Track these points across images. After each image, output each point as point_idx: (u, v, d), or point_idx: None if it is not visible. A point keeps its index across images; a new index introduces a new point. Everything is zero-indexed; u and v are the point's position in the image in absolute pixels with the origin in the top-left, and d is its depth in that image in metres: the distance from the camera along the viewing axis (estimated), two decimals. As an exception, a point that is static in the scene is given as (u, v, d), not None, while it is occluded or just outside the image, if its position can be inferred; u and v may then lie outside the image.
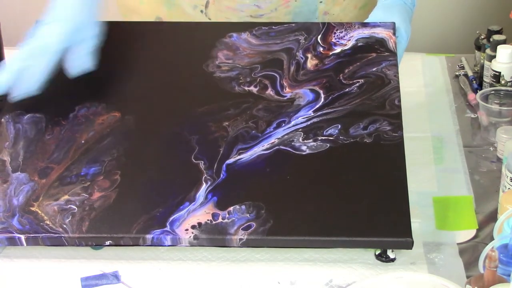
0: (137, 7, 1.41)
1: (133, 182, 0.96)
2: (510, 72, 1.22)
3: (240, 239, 0.90)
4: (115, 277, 0.90)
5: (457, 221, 0.98)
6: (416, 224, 0.97)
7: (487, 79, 1.25)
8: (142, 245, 0.91)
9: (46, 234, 0.91)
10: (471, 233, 0.96)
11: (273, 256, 0.93)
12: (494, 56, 1.23)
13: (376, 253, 0.92)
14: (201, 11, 1.34)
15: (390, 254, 0.92)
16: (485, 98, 1.20)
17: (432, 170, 1.08)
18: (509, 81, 1.22)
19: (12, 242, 0.92)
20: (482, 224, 0.97)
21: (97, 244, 0.93)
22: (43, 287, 0.90)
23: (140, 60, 1.11)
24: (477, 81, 1.29)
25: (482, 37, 1.29)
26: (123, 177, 0.96)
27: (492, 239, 0.89)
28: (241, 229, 0.90)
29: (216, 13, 1.32)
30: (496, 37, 1.25)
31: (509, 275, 0.79)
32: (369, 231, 0.89)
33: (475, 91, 1.26)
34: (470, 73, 1.32)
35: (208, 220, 0.91)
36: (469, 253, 0.92)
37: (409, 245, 0.89)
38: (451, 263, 0.91)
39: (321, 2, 1.33)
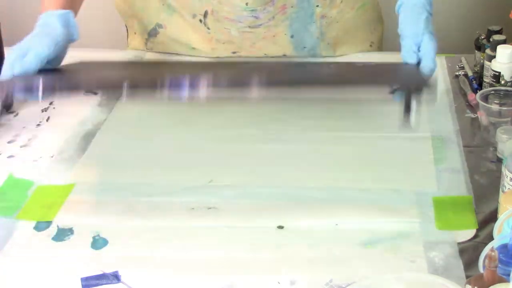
0: (137, 14, 1.41)
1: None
2: (510, 72, 1.22)
3: (260, 79, 0.86)
4: (115, 277, 0.90)
5: (457, 221, 0.98)
6: (416, 224, 0.97)
7: (487, 79, 1.25)
8: (159, 89, 0.87)
9: (64, 81, 0.90)
10: (471, 233, 0.96)
11: (273, 256, 0.93)
12: (494, 56, 1.23)
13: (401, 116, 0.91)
14: (200, 20, 1.34)
15: (413, 105, 0.90)
16: (485, 98, 1.20)
17: (432, 170, 1.08)
18: (509, 81, 1.22)
19: (29, 88, 0.90)
20: (482, 224, 0.97)
21: (114, 88, 0.89)
22: (43, 287, 0.90)
23: None
24: (477, 81, 1.29)
25: (482, 37, 1.29)
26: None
27: (492, 239, 0.89)
28: (261, 73, 0.89)
29: (215, 23, 1.33)
30: (496, 37, 1.25)
31: (509, 275, 0.79)
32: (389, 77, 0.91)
33: (475, 91, 1.26)
34: (470, 73, 1.32)
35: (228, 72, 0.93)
36: (469, 253, 0.92)
37: (431, 83, 0.89)
38: (451, 263, 0.91)
39: (317, 6, 1.34)
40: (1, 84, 0.92)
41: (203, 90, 0.86)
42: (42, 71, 1.02)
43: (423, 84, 0.89)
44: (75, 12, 1.18)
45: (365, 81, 0.89)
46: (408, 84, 0.89)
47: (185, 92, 0.86)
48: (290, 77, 0.88)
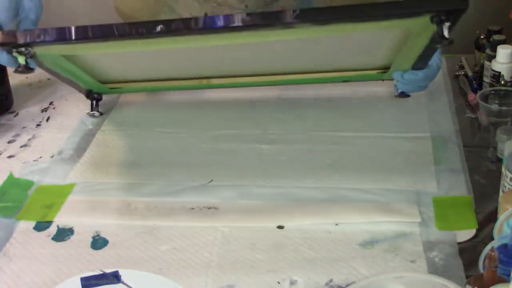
0: (135, 14, 1.41)
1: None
2: (510, 72, 1.22)
3: (294, 11, 0.86)
4: (115, 277, 0.90)
5: (457, 221, 0.98)
6: (416, 224, 0.97)
7: (487, 79, 1.25)
8: (194, 29, 0.87)
9: (97, 25, 0.88)
10: (471, 233, 0.96)
11: (274, 255, 0.93)
12: (494, 56, 1.23)
13: (434, 39, 0.88)
14: None
15: (446, 32, 0.87)
16: (485, 98, 1.20)
17: (432, 170, 1.08)
18: (509, 81, 1.22)
19: (62, 34, 0.89)
20: (482, 224, 0.97)
21: (148, 32, 0.88)
22: (43, 287, 0.90)
23: None
24: (477, 81, 1.29)
25: (482, 37, 1.30)
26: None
27: (492, 239, 0.89)
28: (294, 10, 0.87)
29: None
30: (496, 37, 1.25)
31: (509, 275, 0.79)
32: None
33: (475, 91, 1.26)
34: (470, 73, 1.32)
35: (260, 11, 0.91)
36: (469, 253, 0.92)
37: (466, 4, 0.85)
38: (451, 263, 0.91)
39: None
40: (28, 32, 0.90)
41: (238, 22, 0.86)
42: None
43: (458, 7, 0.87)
44: None
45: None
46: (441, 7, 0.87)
47: (220, 25, 0.87)
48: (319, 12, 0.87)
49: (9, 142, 1.20)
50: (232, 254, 0.94)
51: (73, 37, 0.90)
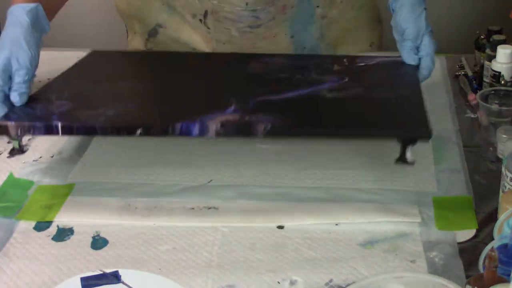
0: (137, 14, 1.41)
1: (168, 100, 1.06)
2: (510, 72, 1.22)
3: (265, 128, 0.96)
4: (115, 277, 0.90)
5: (457, 221, 0.98)
6: (416, 224, 0.97)
7: (487, 79, 1.25)
8: (170, 135, 0.97)
9: (81, 124, 0.99)
10: (471, 233, 0.96)
11: (273, 255, 0.93)
12: (494, 56, 1.23)
13: (395, 158, 0.98)
14: (200, 20, 1.34)
15: (409, 156, 0.97)
16: (485, 98, 1.20)
17: (432, 170, 1.08)
18: (509, 81, 1.22)
19: (50, 130, 0.99)
20: (482, 224, 0.97)
21: (128, 133, 0.98)
22: (42, 287, 0.90)
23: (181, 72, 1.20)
24: (477, 81, 1.29)
25: (482, 37, 1.29)
26: (157, 99, 1.07)
27: (492, 239, 0.89)
28: (267, 121, 0.97)
29: (215, 23, 1.33)
30: (496, 37, 1.25)
31: (509, 275, 0.79)
32: (389, 124, 0.99)
33: (475, 91, 1.26)
34: (470, 73, 1.32)
35: (236, 119, 0.99)
36: (469, 253, 0.92)
37: (427, 135, 0.96)
38: (451, 263, 0.91)
39: (318, 6, 1.34)
40: (19, 125, 0.99)
41: (212, 134, 0.97)
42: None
43: (420, 136, 0.97)
44: (52, 5, 1.18)
45: (360, 134, 0.99)
46: (405, 136, 0.97)
47: (195, 134, 0.97)
48: (296, 130, 0.99)
49: (9, 142, 1.20)
50: (232, 254, 0.94)
51: (60, 133, 1.00)
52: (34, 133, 1.00)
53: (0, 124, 1.01)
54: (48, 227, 1.00)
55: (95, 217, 1.01)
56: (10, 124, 1.00)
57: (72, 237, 0.98)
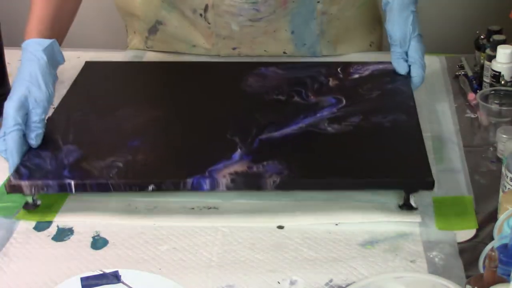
0: (136, 11, 1.41)
1: (174, 147, 1.07)
2: (510, 72, 1.22)
3: (274, 181, 0.97)
4: (115, 277, 0.90)
5: (457, 221, 0.98)
6: (416, 224, 0.97)
7: (487, 79, 1.25)
8: (182, 189, 0.98)
9: (94, 181, 0.99)
10: (471, 233, 0.96)
11: (273, 255, 0.93)
12: (494, 56, 1.23)
13: (400, 204, 0.99)
14: (200, 15, 1.34)
15: (413, 202, 0.98)
16: (485, 98, 1.20)
17: (432, 170, 1.08)
18: (509, 81, 1.22)
19: (63, 188, 0.99)
20: (482, 224, 0.97)
21: (141, 189, 0.99)
22: (42, 287, 0.90)
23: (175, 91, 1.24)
24: (477, 81, 1.29)
25: (482, 37, 1.29)
26: (164, 146, 1.08)
27: (492, 239, 0.89)
28: (275, 174, 0.98)
29: (215, 17, 1.33)
30: (496, 37, 1.25)
31: (509, 275, 0.79)
32: (391, 175, 1.00)
33: (475, 91, 1.26)
34: (470, 73, 1.32)
35: (244, 170, 0.99)
36: (469, 253, 0.92)
37: (430, 185, 0.97)
38: (451, 263, 0.91)
39: (318, 2, 1.34)
40: (32, 185, 1.00)
41: (223, 188, 0.99)
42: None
43: (421, 186, 0.99)
44: (61, 32, 1.19)
45: (361, 184, 1.01)
46: (407, 187, 0.99)
47: (206, 189, 0.99)
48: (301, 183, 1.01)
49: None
50: (232, 254, 0.94)
51: (73, 191, 1.00)
52: (47, 192, 1.00)
53: (14, 183, 1.00)
54: (48, 227, 1.00)
55: (95, 217, 1.01)
56: (24, 183, 0.99)
57: (72, 237, 0.98)
